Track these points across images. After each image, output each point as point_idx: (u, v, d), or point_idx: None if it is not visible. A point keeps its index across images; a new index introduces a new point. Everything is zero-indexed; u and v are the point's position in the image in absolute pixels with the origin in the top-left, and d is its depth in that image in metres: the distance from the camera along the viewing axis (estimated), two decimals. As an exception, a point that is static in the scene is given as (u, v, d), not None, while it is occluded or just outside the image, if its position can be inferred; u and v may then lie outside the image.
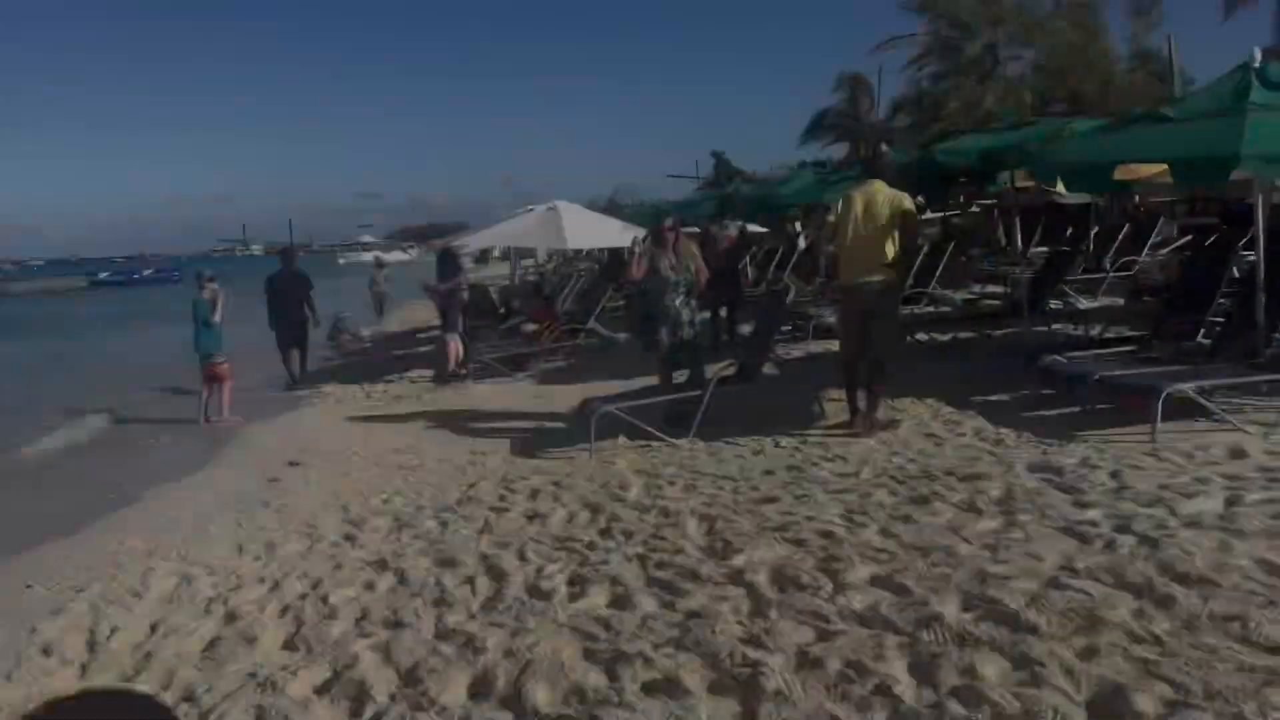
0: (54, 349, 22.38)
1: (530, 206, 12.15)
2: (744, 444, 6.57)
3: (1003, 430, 6.19)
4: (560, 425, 8.09)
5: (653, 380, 9.58)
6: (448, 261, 11.24)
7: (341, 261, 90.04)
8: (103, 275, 64.73)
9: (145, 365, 18.29)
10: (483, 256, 42.75)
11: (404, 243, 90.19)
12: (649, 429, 6.94)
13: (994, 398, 7.18)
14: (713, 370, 7.53)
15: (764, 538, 4.45)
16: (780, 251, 16.93)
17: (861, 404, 6.57)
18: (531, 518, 5.39)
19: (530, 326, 11.58)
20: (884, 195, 6.17)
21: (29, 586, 5.18)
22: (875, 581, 3.83)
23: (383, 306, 24.84)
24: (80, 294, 54.28)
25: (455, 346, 11.10)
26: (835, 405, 7.23)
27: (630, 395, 7.56)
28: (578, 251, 32.16)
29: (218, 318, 10.52)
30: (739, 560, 4.21)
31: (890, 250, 6.19)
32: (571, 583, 4.23)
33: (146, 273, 70.08)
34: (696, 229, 15.21)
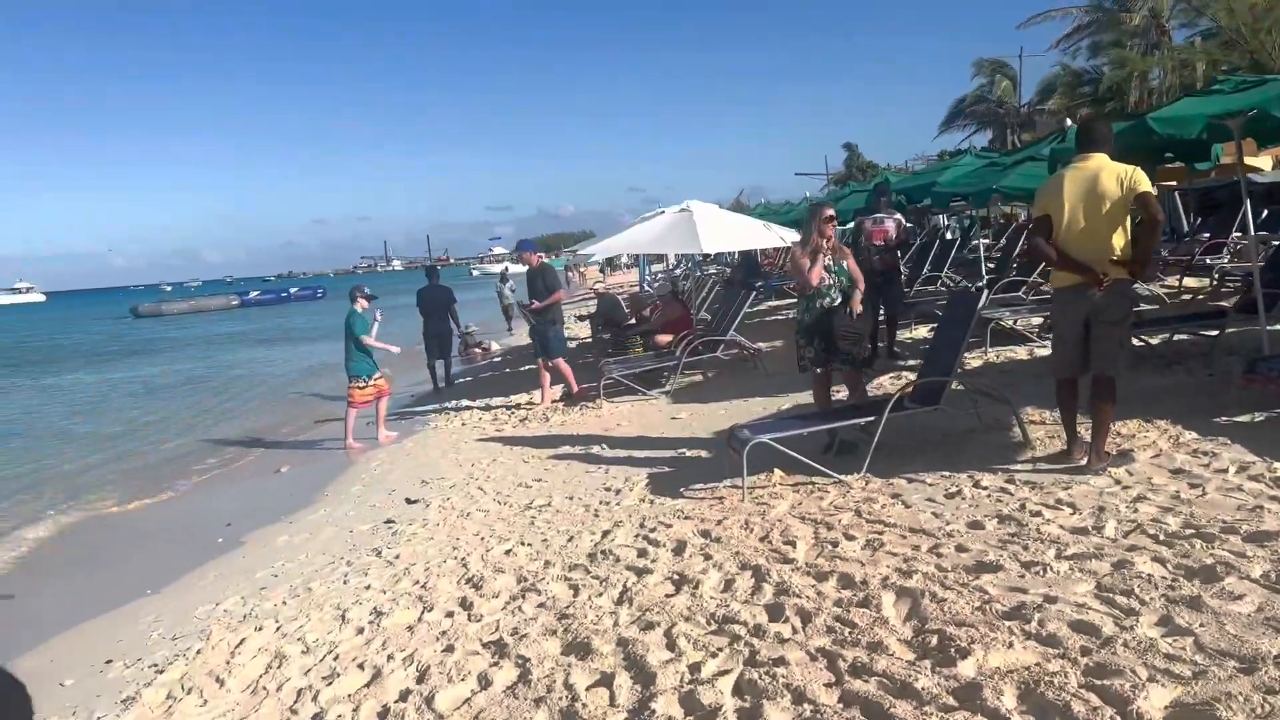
0: (193, 369, 22.96)
1: (660, 209, 11.21)
2: (932, 482, 5.40)
3: (1277, 465, 4.81)
4: (703, 454, 7.10)
5: (805, 399, 8.49)
6: (544, 277, 10.22)
7: (475, 274, 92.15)
8: (252, 294, 67.93)
9: (280, 383, 18.40)
10: (610, 264, 42.34)
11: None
12: (810, 462, 5.85)
13: (1243, 419, 5.75)
14: (868, 382, 6.39)
15: (997, 631, 3.31)
16: (936, 247, 15.42)
17: (1082, 430, 5.30)
18: (679, 584, 4.40)
19: (664, 337, 10.62)
20: (1111, 172, 4.90)
21: (109, 662, 4.55)
22: (1183, 715, 2.66)
23: (510, 319, 24.57)
24: (231, 312, 56.90)
25: (568, 367, 10.20)
26: (1041, 430, 5.97)
27: (784, 420, 6.47)
28: (706, 256, 31.27)
29: (373, 335, 10.06)
30: (967, 668, 3.09)
31: (1119, 241, 4.91)
32: (739, 691, 3.21)
33: (293, 290, 73.38)
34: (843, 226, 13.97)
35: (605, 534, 5.43)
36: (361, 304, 10.15)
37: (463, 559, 5.39)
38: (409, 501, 7.11)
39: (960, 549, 4.24)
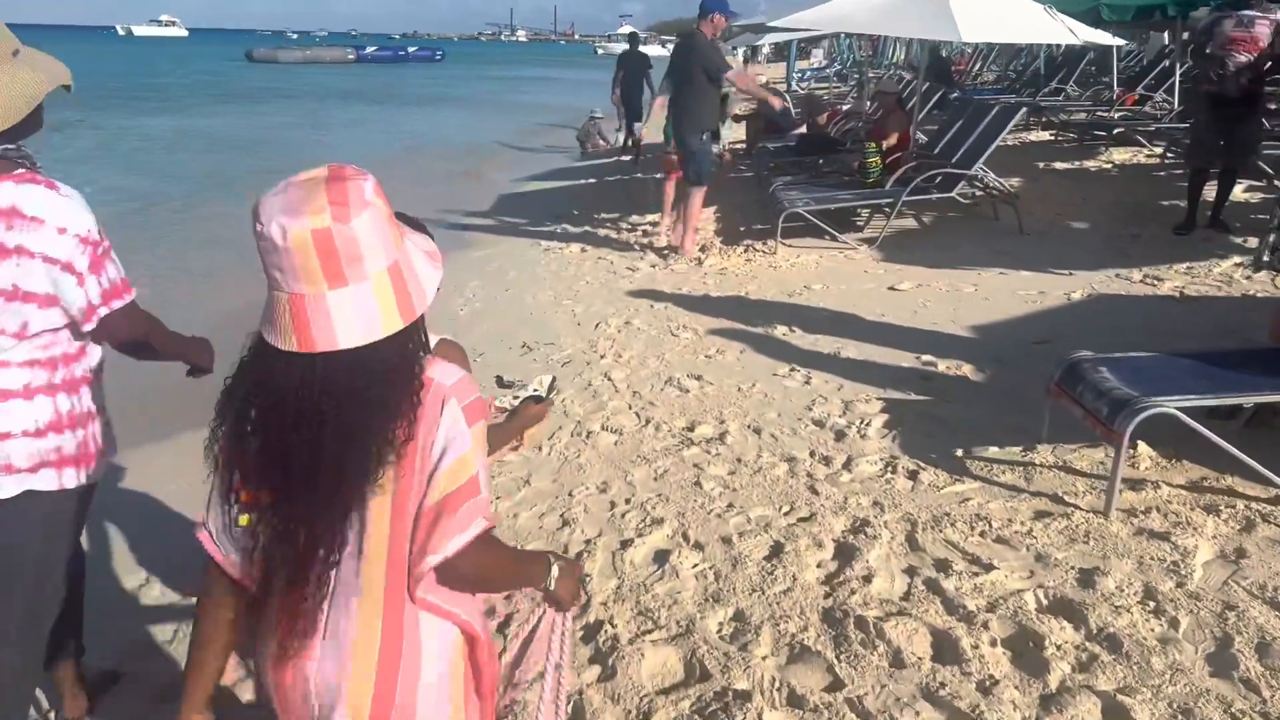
0: (292, 123, 20.66)
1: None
2: None
3: None
4: (966, 369, 4.44)
5: (1103, 281, 5.69)
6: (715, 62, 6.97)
7: (599, 53, 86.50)
8: (369, 50, 64.94)
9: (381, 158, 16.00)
10: (754, 53, 37.71)
11: (664, 37, 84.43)
12: (1247, 458, 3.10)
13: None
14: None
15: None
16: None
17: None
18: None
19: (868, 159, 7.62)
20: None
21: None
22: None
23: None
24: (346, 67, 54.44)
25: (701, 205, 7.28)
26: None
27: (1178, 362, 3.62)
28: (866, 53, 26.67)
29: None
30: None
31: None
32: None
33: (411, 49, 70.82)
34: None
35: (846, 551, 2.90)
36: None
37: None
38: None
39: None
